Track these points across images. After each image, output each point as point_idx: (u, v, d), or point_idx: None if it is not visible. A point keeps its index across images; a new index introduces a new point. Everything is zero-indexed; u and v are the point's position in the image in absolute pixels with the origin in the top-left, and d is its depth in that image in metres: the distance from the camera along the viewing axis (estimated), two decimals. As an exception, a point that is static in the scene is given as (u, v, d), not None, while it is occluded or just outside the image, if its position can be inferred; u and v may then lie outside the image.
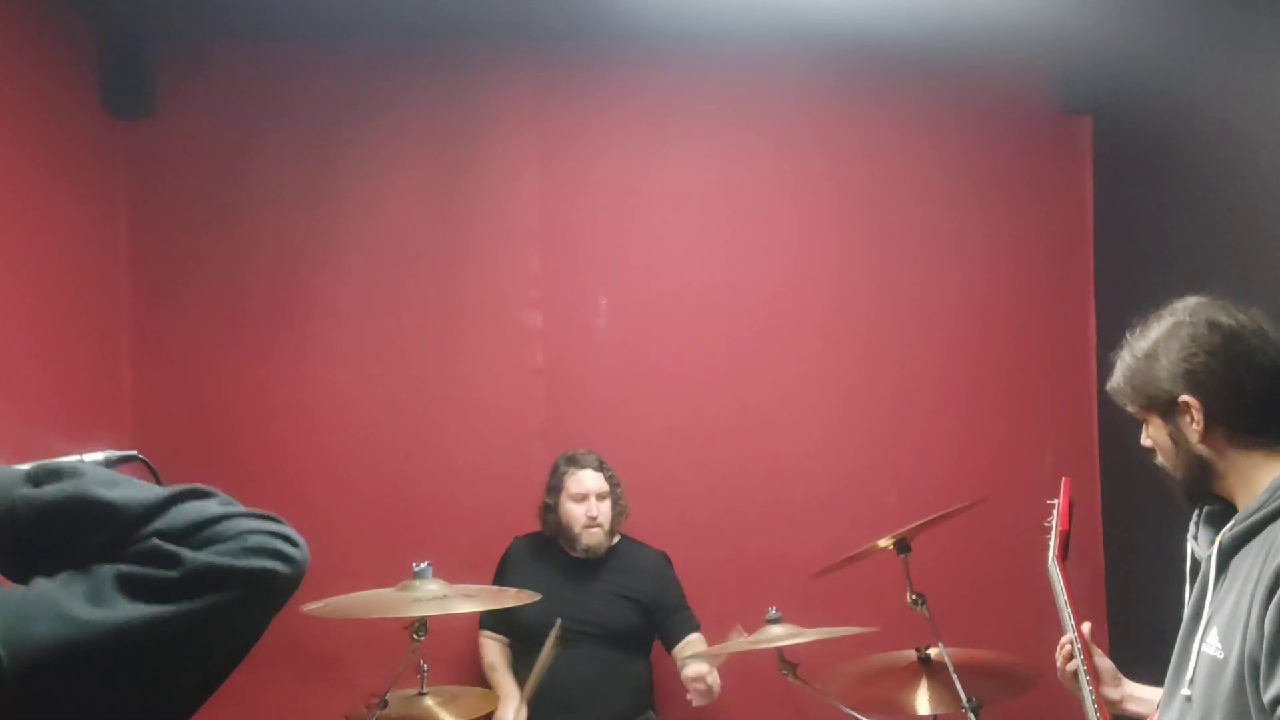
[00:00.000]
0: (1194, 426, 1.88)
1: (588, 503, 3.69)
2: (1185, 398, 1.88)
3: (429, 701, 3.12)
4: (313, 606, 2.94)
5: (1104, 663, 2.30)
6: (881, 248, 4.21)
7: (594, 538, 3.70)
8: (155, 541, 1.16)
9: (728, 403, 4.14)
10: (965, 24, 3.70)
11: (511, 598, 3.20)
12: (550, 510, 3.75)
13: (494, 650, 3.76)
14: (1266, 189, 3.24)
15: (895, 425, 4.17)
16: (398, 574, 3.02)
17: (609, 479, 3.75)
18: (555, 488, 3.74)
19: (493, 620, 3.74)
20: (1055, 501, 2.42)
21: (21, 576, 1.18)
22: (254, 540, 1.25)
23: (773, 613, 3.21)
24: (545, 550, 3.80)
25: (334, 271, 4.08)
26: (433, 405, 4.08)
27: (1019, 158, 4.25)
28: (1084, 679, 2.24)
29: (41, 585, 1.14)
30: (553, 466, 3.80)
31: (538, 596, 3.20)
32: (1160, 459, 1.98)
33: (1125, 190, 4.09)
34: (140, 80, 4.00)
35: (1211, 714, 1.81)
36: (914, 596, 3.13)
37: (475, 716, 3.20)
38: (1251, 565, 1.80)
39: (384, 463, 4.05)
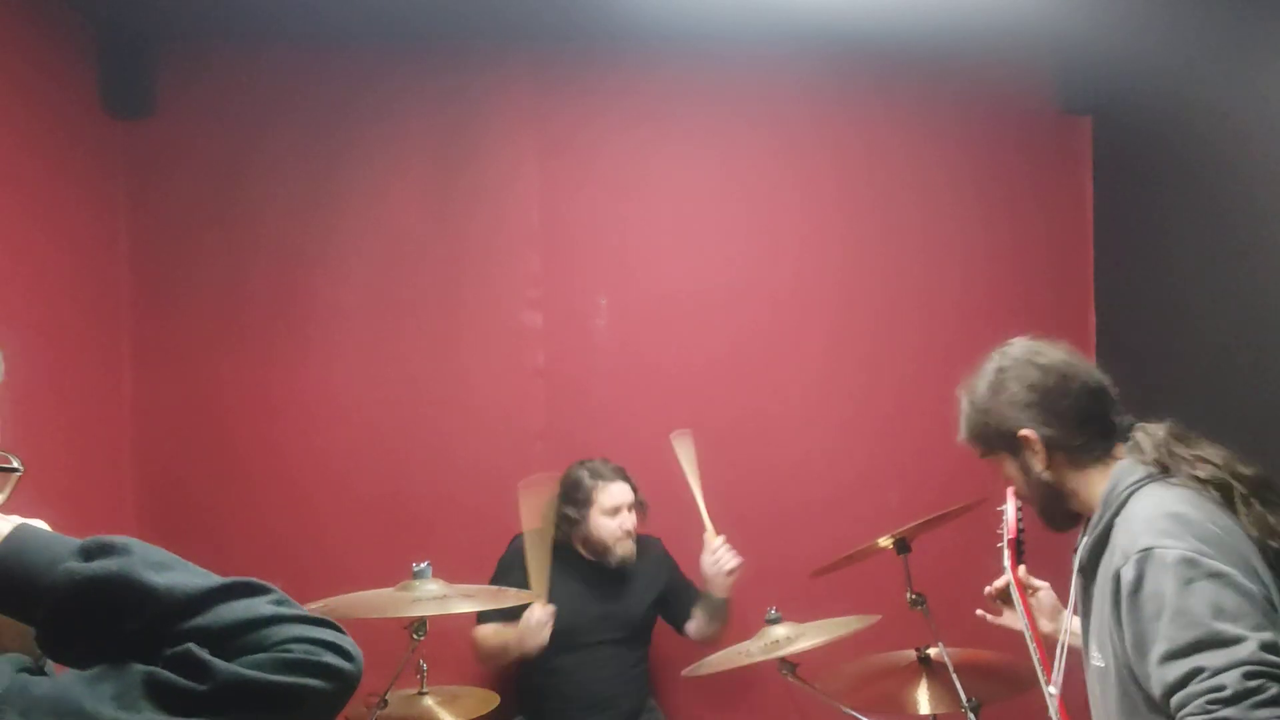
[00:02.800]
0: (1037, 457, 2.08)
1: (621, 515, 3.66)
2: (1024, 432, 2.08)
3: (429, 701, 3.12)
4: (313, 606, 2.94)
5: (1047, 595, 2.41)
6: (882, 248, 4.22)
7: (627, 549, 3.68)
8: (190, 647, 1.11)
9: (728, 403, 4.14)
10: (965, 24, 3.70)
11: (512, 598, 3.19)
12: (573, 523, 3.67)
13: (492, 627, 3.65)
14: (1267, 188, 3.24)
15: (896, 425, 4.17)
16: (398, 574, 3.02)
17: (633, 488, 3.72)
18: (582, 501, 3.66)
19: (491, 619, 3.71)
20: (1003, 508, 2.47)
21: (59, 654, 1.15)
22: (298, 651, 1.17)
23: (773, 613, 3.21)
24: (558, 555, 3.72)
25: (334, 271, 4.08)
26: (432, 405, 4.08)
27: (1019, 158, 4.25)
28: (1023, 618, 2.35)
29: (72, 681, 1.10)
30: (573, 480, 3.69)
31: (538, 596, 3.19)
32: (1020, 493, 2.19)
33: (1125, 190, 4.09)
34: (140, 80, 4.00)
35: (1110, 718, 2.00)
36: (914, 596, 3.13)
37: (475, 716, 3.20)
38: (1103, 574, 1.98)
39: (384, 463, 4.06)
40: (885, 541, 3.17)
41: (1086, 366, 2.12)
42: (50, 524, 1.38)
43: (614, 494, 3.67)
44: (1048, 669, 2.28)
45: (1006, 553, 2.41)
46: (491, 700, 3.38)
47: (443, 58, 4.12)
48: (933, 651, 3.17)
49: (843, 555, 3.25)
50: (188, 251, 4.06)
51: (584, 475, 3.70)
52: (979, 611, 2.54)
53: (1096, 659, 2.00)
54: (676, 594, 3.81)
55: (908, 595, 3.13)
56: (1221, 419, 2.17)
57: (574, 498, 3.68)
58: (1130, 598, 1.85)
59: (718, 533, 3.63)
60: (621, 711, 3.69)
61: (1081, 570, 2.06)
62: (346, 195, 4.08)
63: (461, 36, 4.09)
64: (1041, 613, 2.39)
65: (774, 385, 4.17)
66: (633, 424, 4.10)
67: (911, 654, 3.25)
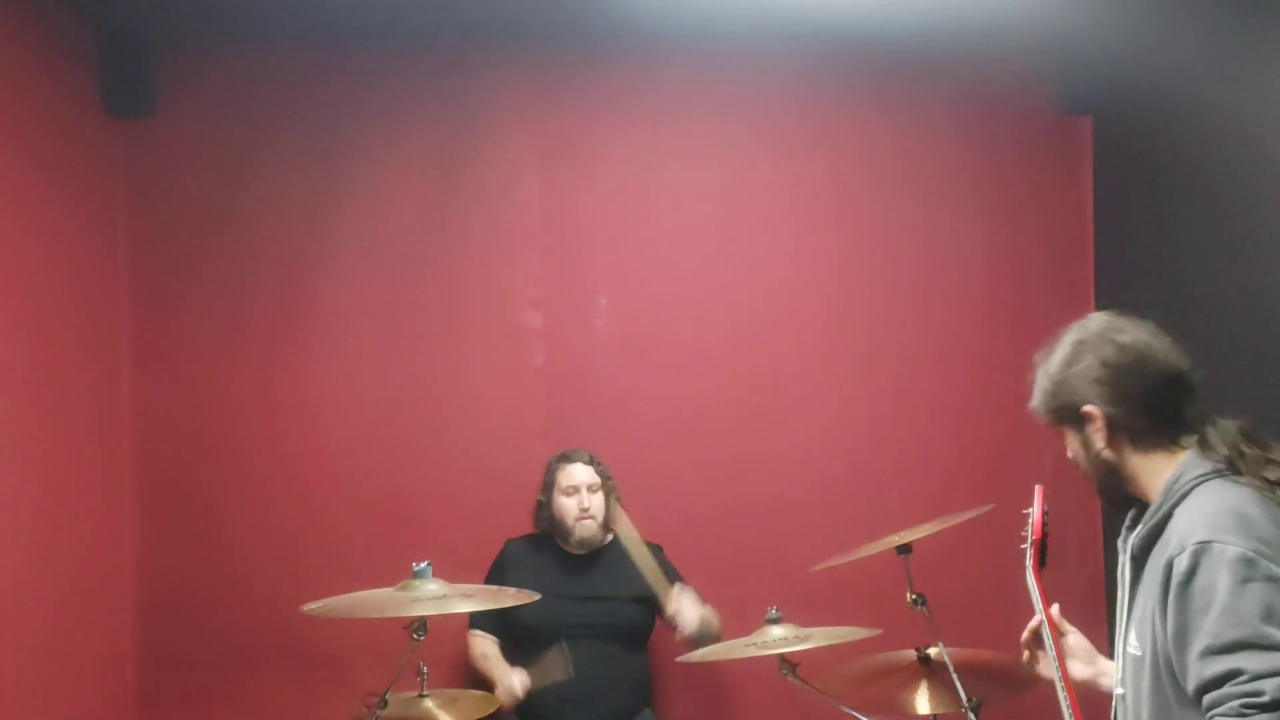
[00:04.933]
0: (1099, 434, 2.04)
1: (579, 495, 3.72)
2: (1088, 408, 2.03)
3: (429, 704, 3.11)
4: (313, 606, 2.95)
5: (1078, 640, 2.32)
6: (881, 249, 4.22)
7: (587, 529, 3.72)
8: None
9: (727, 402, 4.14)
10: (966, 24, 3.70)
11: (511, 597, 3.20)
12: (544, 507, 3.78)
13: (485, 641, 3.75)
14: (1267, 188, 3.24)
15: (894, 424, 4.17)
16: (398, 574, 3.02)
17: (600, 472, 3.78)
18: (548, 484, 3.78)
19: (483, 620, 3.73)
20: (1029, 510, 2.40)
21: None
22: None
23: (773, 612, 3.21)
24: (542, 549, 3.80)
25: (334, 271, 4.08)
26: (433, 405, 4.08)
27: (1019, 158, 4.25)
28: (1054, 661, 2.25)
29: None
30: (546, 466, 3.83)
31: (537, 596, 3.20)
32: (1081, 468, 2.12)
33: (1125, 190, 4.09)
34: (140, 80, 4.00)
35: (1140, 710, 1.97)
36: (914, 596, 3.13)
37: (475, 719, 3.20)
38: (1154, 563, 1.94)
39: (384, 462, 4.06)
40: (892, 541, 3.16)
41: (1168, 349, 2.04)
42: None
43: (572, 474, 3.74)
44: (1075, 708, 2.21)
45: (1029, 554, 2.33)
46: (492, 703, 3.38)
47: (443, 59, 4.12)
48: (933, 651, 3.17)
49: (845, 556, 3.25)
50: (188, 251, 4.06)
51: (552, 460, 3.82)
52: (1025, 657, 2.35)
53: (1134, 648, 1.98)
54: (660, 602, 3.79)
55: (908, 595, 3.13)
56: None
57: (545, 482, 3.80)
58: (1180, 588, 1.81)
59: (671, 586, 3.66)
60: (610, 709, 3.68)
61: (1134, 559, 2.02)
62: (347, 195, 4.08)
63: (463, 39, 4.09)
64: (1075, 658, 2.29)
65: (773, 385, 4.17)
66: (632, 423, 4.10)
67: (911, 654, 3.25)
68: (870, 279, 4.21)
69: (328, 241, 4.07)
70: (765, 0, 3.74)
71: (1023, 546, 2.35)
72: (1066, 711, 2.23)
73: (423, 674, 3.14)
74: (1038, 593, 2.32)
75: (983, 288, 4.21)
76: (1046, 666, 2.29)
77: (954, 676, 3.04)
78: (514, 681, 3.54)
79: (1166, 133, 3.74)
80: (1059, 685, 2.24)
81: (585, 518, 3.72)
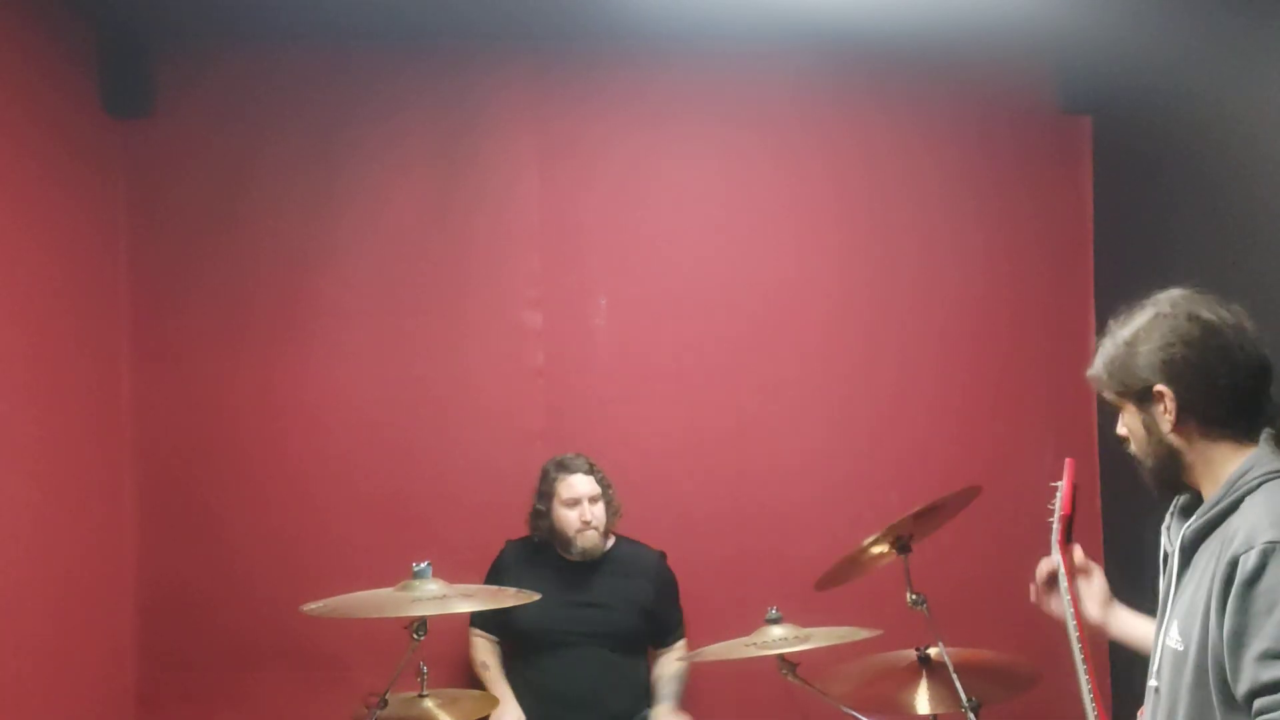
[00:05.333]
0: (1167, 416, 1.93)
1: (580, 507, 3.70)
2: (1160, 387, 1.92)
3: (429, 704, 3.11)
4: (313, 606, 2.94)
5: (1098, 580, 2.28)
6: (882, 249, 4.21)
7: (589, 540, 3.71)
8: None
9: (727, 402, 4.14)
10: (966, 24, 3.70)
11: (511, 597, 3.20)
12: (542, 516, 3.76)
13: (485, 648, 3.76)
14: (1267, 188, 3.24)
15: (895, 425, 4.17)
16: (398, 574, 3.02)
17: (600, 480, 3.76)
18: (546, 494, 3.75)
19: (483, 620, 3.75)
20: (1059, 484, 2.35)
21: None
22: None
23: (773, 613, 3.20)
24: (540, 555, 3.80)
25: (334, 271, 4.08)
26: (433, 405, 4.08)
27: (1019, 157, 4.25)
28: (1070, 617, 2.23)
29: None
30: (542, 473, 3.80)
31: (537, 596, 3.20)
32: (1133, 447, 2.03)
33: (1125, 190, 4.09)
34: (140, 80, 4.00)
35: (1176, 705, 1.89)
36: (914, 596, 3.12)
37: (475, 719, 3.20)
38: (1209, 558, 1.86)
39: (384, 462, 4.06)
40: (882, 546, 3.15)
41: (1253, 337, 1.93)
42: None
43: (573, 485, 3.71)
44: (1089, 660, 2.18)
45: (1056, 528, 2.27)
46: (491, 703, 3.38)
47: (443, 59, 4.12)
48: (933, 651, 3.17)
49: (842, 558, 3.24)
50: (187, 251, 4.06)
51: (550, 468, 3.78)
52: (1033, 595, 2.34)
53: (1176, 642, 1.90)
54: (660, 615, 3.83)
55: (908, 595, 3.12)
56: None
57: (542, 491, 3.77)
58: (1244, 587, 1.75)
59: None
60: (611, 714, 3.68)
61: (1183, 550, 1.94)
62: (347, 195, 4.08)
63: (463, 39, 4.09)
64: (1091, 599, 2.25)
65: (773, 385, 4.17)
66: (632, 423, 4.10)
67: (911, 654, 3.24)
68: (870, 279, 4.21)
69: (328, 241, 4.07)
70: (765, 0, 3.74)
71: (1050, 520, 2.30)
72: (1077, 654, 2.21)
73: (423, 674, 3.13)
74: (1064, 568, 2.28)
75: (983, 288, 4.20)
76: (1058, 605, 2.27)
77: (954, 676, 3.03)
78: (507, 716, 3.57)
79: (1166, 132, 3.74)
80: (1070, 627, 2.21)
81: (587, 529, 3.71)
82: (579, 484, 3.72)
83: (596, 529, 3.71)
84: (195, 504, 4.00)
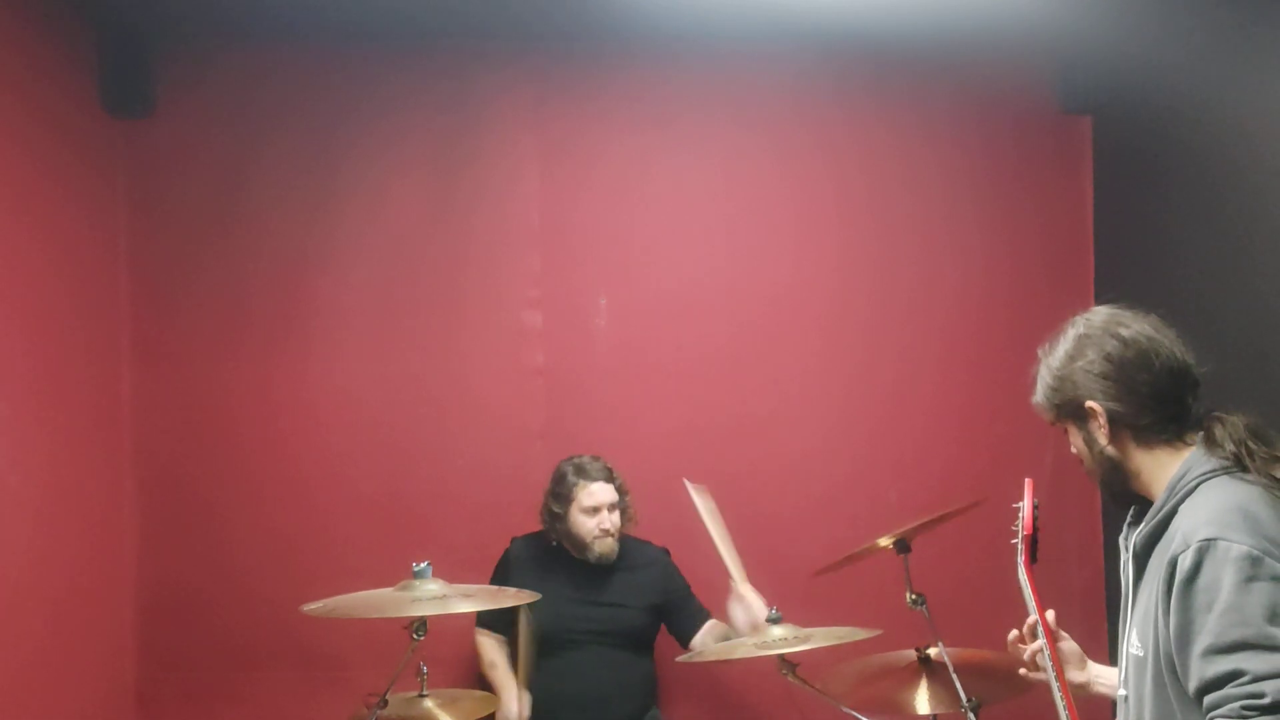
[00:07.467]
0: (1101, 430, 2.00)
1: (600, 515, 3.68)
2: (1090, 404, 1.99)
3: (429, 704, 3.12)
4: (313, 606, 2.95)
5: (1069, 646, 2.29)
6: (882, 249, 4.22)
7: (606, 546, 3.69)
8: None
9: (727, 402, 4.14)
10: (966, 24, 3.70)
11: (511, 597, 3.20)
12: (558, 519, 3.71)
13: (493, 648, 3.76)
14: (1267, 187, 3.24)
15: (895, 425, 4.17)
16: (398, 574, 3.02)
17: (619, 487, 3.73)
18: (564, 497, 3.69)
19: (491, 619, 3.74)
20: (1020, 505, 2.36)
21: None
22: None
23: (773, 613, 3.21)
24: (549, 553, 3.77)
25: (335, 271, 4.08)
26: (433, 405, 4.08)
27: (1019, 158, 4.25)
28: (1050, 666, 2.23)
29: None
30: (559, 475, 3.74)
31: (537, 596, 3.20)
32: (1084, 465, 2.09)
33: (1125, 190, 4.09)
34: (140, 80, 4.00)
35: (1142, 711, 1.94)
36: (914, 596, 3.12)
37: (475, 719, 3.20)
38: (1157, 560, 1.90)
39: (384, 462, 4.06)
40: (885, 541, 3.16)
41: (1171, 342, 1.99)
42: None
43: (594, 493, 3.68)
44: (1071, 707, 2.19)
45: (1020, 549, 2.30)
46: (492, 703, 3.39)
47: (443, 59, 4.12)
48: (933, 651, 3.17)
49: (844, 555, 3.25)
50: (188, 251, 4.06)
51: (569, 471, 3.73)
52: (1022, 672, 2.34)
53: (1136, 648, 1.94)
54: (680, 609, 3.80)
55: (908, 595, 3.12)
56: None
57: (558, 493, 3.72)
58: (1183, 586, 1.78)
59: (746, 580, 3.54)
60: (620, 713, 3.68)
61: (1136, 557, 1.98)
62: (347, 195, 4.08)
63: (462, 39, 4.09)
64: (1067, 664, 2.26)
65: (773, 385, 4.17)
66: (632, 423, 4.10)
67: (911, 654, 3.25)
68: (870, 279, 4.21)
69: (327, 241, 4.07)
70: (765, 1, 3.74)
71: (1014, 542, 2.32)
72: (1063, 712, 2.21)
73: (423, 674, 3.14)
74: (1030, 589, 2.29)
75: (983, 288, 4.21)
76: (1041, 661, 2.26)
77: (954, 676, 3.04)
78: (512, 711, 3.55)
79: (1166, 132, 3.74)
80: (1054, 686, 2.21)
81: (605, 537, 3.69)
82: (600, 493, 3.68)
83: (613, 536, 3.70)
84: (195, 504, 4.01)
